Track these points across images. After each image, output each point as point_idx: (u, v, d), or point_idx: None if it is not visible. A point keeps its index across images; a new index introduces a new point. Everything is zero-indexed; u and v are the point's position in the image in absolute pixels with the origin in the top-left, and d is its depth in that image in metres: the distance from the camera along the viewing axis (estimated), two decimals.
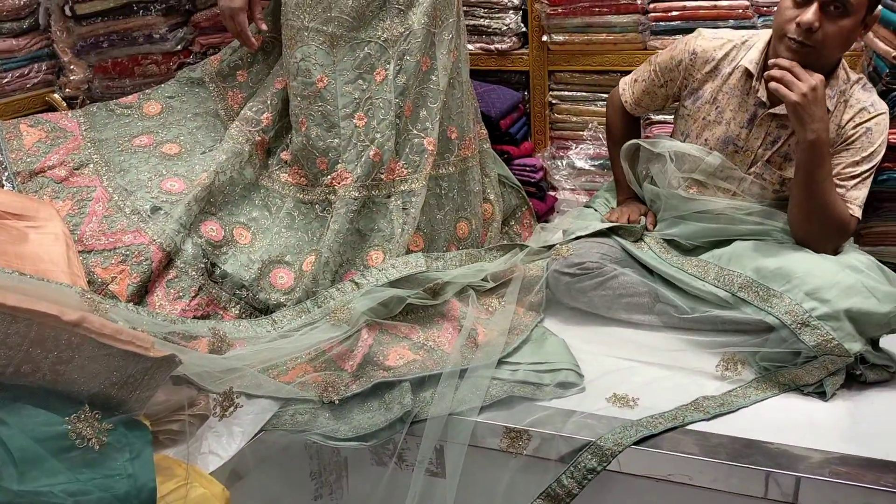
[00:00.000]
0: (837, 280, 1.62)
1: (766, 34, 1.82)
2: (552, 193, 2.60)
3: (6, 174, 1.85)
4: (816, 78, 1.62)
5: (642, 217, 2.02)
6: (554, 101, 2.61)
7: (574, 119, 2.60)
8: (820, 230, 1.73)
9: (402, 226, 1.89)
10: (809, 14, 1.61)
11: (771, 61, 1.66)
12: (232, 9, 1.91)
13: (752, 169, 1.86)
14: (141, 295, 1.71)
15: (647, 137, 2.35)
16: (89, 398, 1.20)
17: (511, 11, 2.51)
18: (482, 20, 2.53)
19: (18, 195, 1.72)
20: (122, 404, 1.25)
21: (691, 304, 1.80)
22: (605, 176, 2.56)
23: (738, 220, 1.87)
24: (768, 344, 1.67)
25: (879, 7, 1.69)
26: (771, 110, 1.79)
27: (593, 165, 2.56)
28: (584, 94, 2.57)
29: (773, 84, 1.62)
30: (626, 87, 2.07)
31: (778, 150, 1.82)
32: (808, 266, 1.68)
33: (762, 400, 1.62)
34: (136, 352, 1.23)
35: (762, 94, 1.79)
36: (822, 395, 1.61)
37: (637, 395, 1.61)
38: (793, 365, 1.64)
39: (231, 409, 1.46)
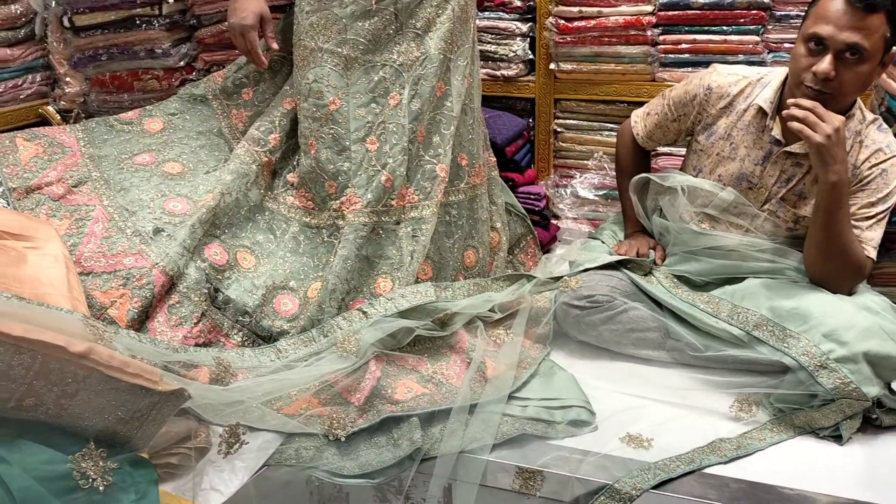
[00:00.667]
0: (855, 322, 1.61)
1: (781, 72, 1.81)
2: (554, 222, 2.57)
3: (1, 190, 1.77)
4: (839, 119, 1.61)
5: (651, 251, 2.00)
6: (559, 130, 2.59)
7: (579, 148, 2.58)
8: (838, 271, 1.72)
9: (412, 253, 1.84)
10: (825, 64, 1.60)
11: (791, 101, 1.64)
12: (243, 26, 1.87)
13: (766, 206, 1.84)
14: (141, 320, 1.64)
15: (655, 169, 2.34)
16: (94, 434, 1.14)
17: (519, 38, 2.50)
18: (489, 46, 2.51)
19: (17, 214, 1.65)
20: (128, 440, 1.19)
21: (704, 342, 1.78)
22: (608, 206, 2.54)
23: (751, 257, 1.84)
24: (783, 385, 1.65)
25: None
26: (786, 148, 1.77)
27: (597, 195, 2.54)
28: (589, 123, 2.56)
29: (796, 125, 1.61)
30: (639, 120, 2.06)
31: (792, 188, 1.81)
32: (825, 307, 1.66)
33: (778, 442, 1.60)
34: (144, 385, 1.18)
35: (777, 133, 1.78)
36: (838, 439, 1.59)
37: (651, 436, 1.58)
38: (809, 407, 1.62)
39: (237, 445, 1.40)
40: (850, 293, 1.73)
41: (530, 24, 2.51)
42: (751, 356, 1.71)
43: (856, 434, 1.60)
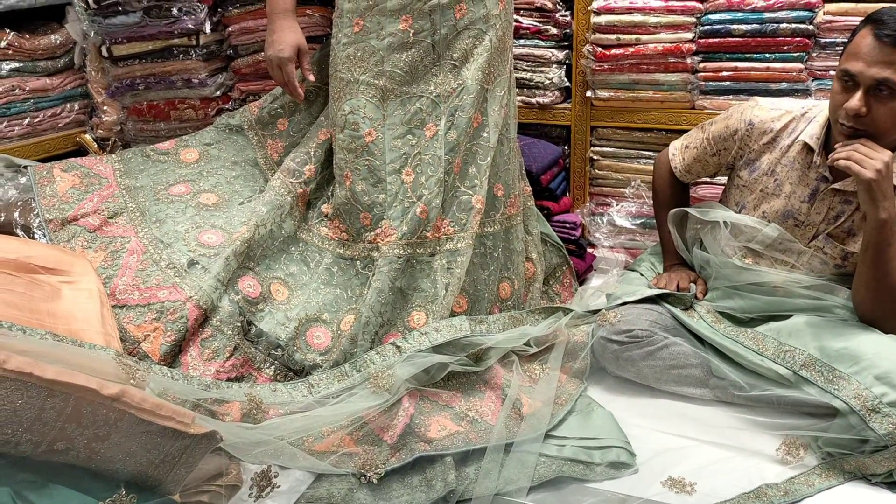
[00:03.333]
0: None
1: (826, 106, 1.75)
2: (590, 251, 2.53)
3: (38, 221, 1.78)
4: (887, 154, 1.55)
5: (692, 284, 1.94)
6: (595, 157, 2.55)
7: (615, 175, 2.54)
8: (889, 310, 1.65)
9: (447, 286, 1.81)
10: (855, 101, 1.55)
11: (838, 145, 1.60)
12: (280, 59, 1.86)
13: (813, 242, 1.78)
14: (174, 354, 1.63)
15: (694, 198, 2.29)
16: (125, 478, 1.12)
17: (555, 66, 2.47)
18: (525, 73, 2.48)
19: (53, 247, 1.65)
20: (159, 484, 1.17)
21: (749, 380, 1.72)
22: (645, 235, 2.49)
23: (797, 294, 1.79)
24: (833, 429, 1.59)
25: None
26: (834, 185, 1.72)
27: (635, 224, 2.49)
28: (626, 150, 2.51)
29: (843, 162, 1.56)
30: (677, 153, 2.01)
31: (840, 225, 1.75)
32: (877, 347, 1.60)
33: (827, 489, 1.54)
34: (176, 428, 1.16)
35: (824, 169, 1.72)
36: (891, 486, 1.52)
37: (694, 480, 1.53)
38: (860, 453, 1.55)
39: (268, 489, 1.38)
40: None
41: (567, 51, 2.48)
42: (798, 397, 1.65)
43: None
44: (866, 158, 1.54)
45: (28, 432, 1.07)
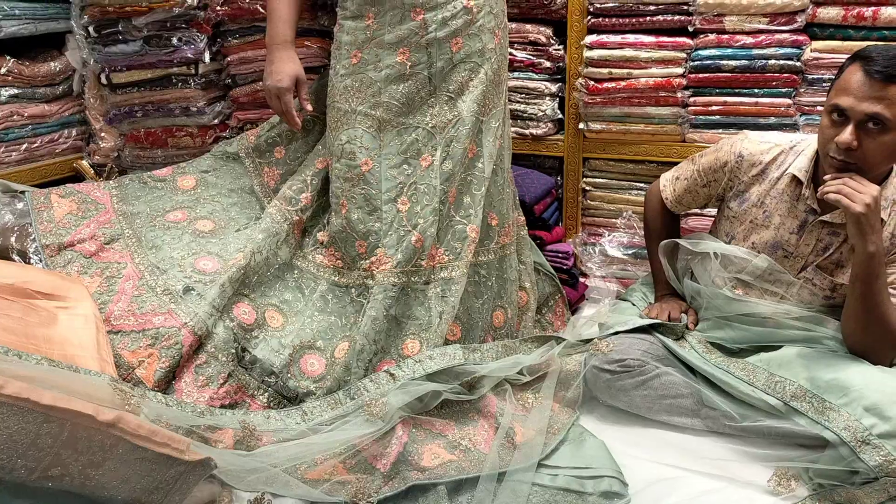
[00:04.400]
0: None
1: (815, 140, 1.79)
2: (582, 280, 2.55)
3: (34, 246, 1.79)
4: (875, 188, 1.58)
5: (683, 315, 1.96)
6: (587, 188, 2.58)
7: (608, 206, 2.57)
8: (877, 342, 1.67)
9: (441, 314, 1.82)
10: (846, 135, 1.58)
11: (827, 177, 1.63)
12: (279, 88, 1.89)
13: (802, 274, 1.81)
14: (168, 380, 1.63)
15: (685, 229, 2.32)
16: None
17: (548, 98, 2.51)
18: (519, 105, 2.52)
19: (49, 273, 1.66)
20: None
21: (740, 411, 1.73)
22: (637, 265, 2.51)
23: (787, 325, 1.80)
24: (823, 460, 1.59)
25: None
26: (822, 217, 1.75)
27: (626, 254, 2.52)
28: (619, 182, 2.54)
29: (833, 196, 1.58)
30: (668, 184, 2.04)
31: (829, 256, 1.78)
32: (866, 379, 1.61)
33: None
34: (171, 455, 1.16)
35: (812, 201, 1.75)
36: None
37: None
38: (850, 484, 1.56)
39: None
40: (890, 364, 1.68)
41: (560, 84, 2.52)
42: (789, 428, 1.65)
43: None
44: (856, 192, 1.57)
45: (23, 458, 1.07)
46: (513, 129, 2.53)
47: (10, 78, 2.31)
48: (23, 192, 2.00)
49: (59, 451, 1.07)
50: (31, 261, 1.78)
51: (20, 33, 2.32)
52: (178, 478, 1.18)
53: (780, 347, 1.80)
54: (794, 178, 1.78)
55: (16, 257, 1.78)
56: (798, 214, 1.78)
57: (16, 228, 1.84)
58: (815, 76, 2.22)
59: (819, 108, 2.23)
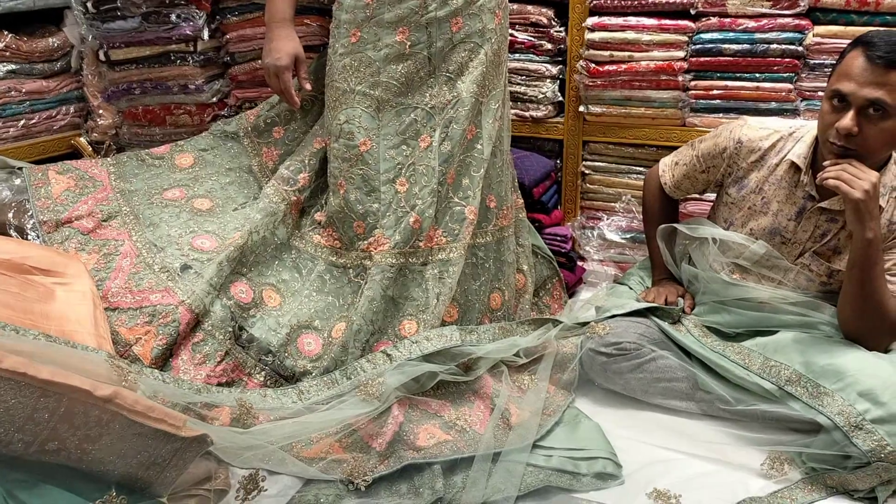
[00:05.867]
0: (893, 381, 1.56)
1: (814, 127, 1.78)
2: (580, 264, 2.55)
3: (32, 222, 1.79)
4: (874, 174, 1.58)
5: (680, 299, 1.96)
6: (587, 172, 2.57)
7: (607, 190, 2.57)
8: (873, 328, 1.67)
9: (438, 296, 1.83)
10: (846, 120, 1.57)
11: (827, 163, 1.62)
12: (278, 67, 1.88)
13: (800, 260, 1.81)
14: (165, 358, 1.64)
15: (683, 214, 2.32)
16: (115, 480, 1.12)
17: (549, 80, 2.50)
18: (519, 87, 2.51)
19: (48, 249, 1.66)
20: (148, 486, 1.18)
21: (735, 395, 1.74)
22: (635, 249, 2.51)
23: (783, 310, 1.81)
24: (817, 444, 1.61)
25: None
26: (820, 204, 1.75)
27: (624, 238, 2.52)
28: (618, 165, 2.54)
29: (832, 182, 1.58)
30: (667, 170, 2.04)
31: (826, 243, 1.78)
32: (860, 364, 1.62)
33: (810, 503, 1.54)
34: (167, 431, 1.16)
35: (811, 188, 1.75)
36: (873, 502, 1.54)
37: (679, 492, 1.54)
38: (843, 468, 1.57)
39: (255, 493, 1.38)
40: (885, 350, 1.69)
41: (560, 66, 2.51)
42: (783, 412, 1.67)
43: (893, 497, 1.54)
44: (855, 179, 1.57)
45: (20, 432, 1.07)
46: (513, 111, 2.52)
47: (7, 53, 2.31)
48: (20, 169, 1.99)
49: (55, 426, 1.08)
50: (29, 237, 1.78)
51: (18, 8, 2.31)
52: (175, 454, 1.18)
53: (775, 332, 1.80)
54: (793, 165, 1.77)
55: (13, 233, 1.78)
56: (796, 201, 1.78)
57: (13, 204, 1.84)
58: (816, 61, 2.21)
59: (820, 93, 2.23)
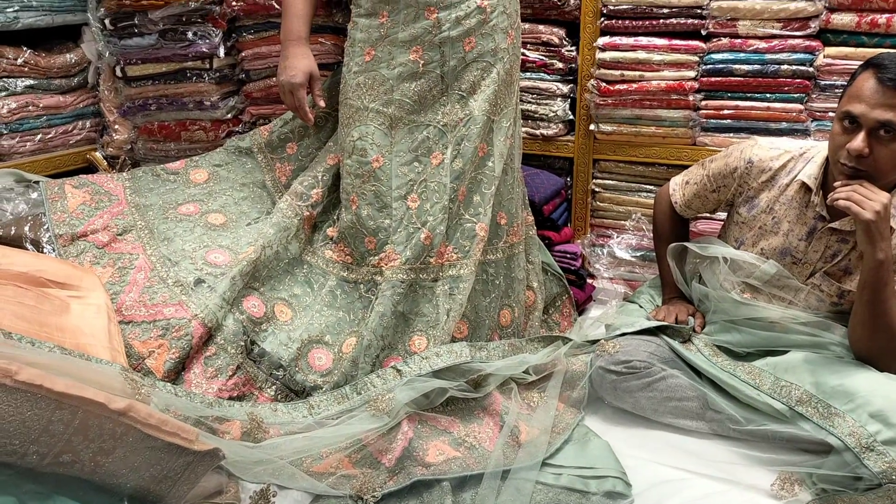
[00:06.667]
0: None
1: (825, 147, 1.79)
2: (590, 281, 2.55)
3: (48, 236, 1.81)
4: (885, 195, 1.58)
5: (690, 318, 1.96)
6: (597, 189, 2.58)
7: (617, 208, 2.57)
8: (884, 348, 1.67)
9: (448, 311, 1.83)
10: (858, 141, 1.58)
11: (837, 184, 1.63)
12: (293, 84, 1.90)
13: (810, 280, 1.81)
14: (178, 371, 1.65)
15: (694, 233, 2.32)
16: (128, 493, 1.13)
17: (559, 99, 2.51)
18: (530, 105, 2.52)
19: (63, 262, 1.68)
20: (160, 500, 1.19)
21: (745, 415, 1.73)
22: (645, 267, 2.51)
23: (794, 330, 1.81)
24: (827, 465, 1.60)
25: None
26: (831, 224, 1.75)
27: (634, 256, 2.52)
28: (628, 183, 2.55)
29: (843, 202, 1.58)
30: (677, 188, 2.04)
31: (837, 263, 1.78)
32: (872, 385, 1.61)
33: None
34: (180, 444, 1.17)
35: (821, 209, 1.75)
36: None
37: None
38: (853, 490, 1.56)
39: None
40: None
41: (571, 85, 2.52)
42: (793, 432, 1.66)
43: None
44: (866, 199, 1.57)
45: (35, 444, 1.08)
46: (523, 129, 2.54)
47: (26, 69, 2.34)
48: (37, 182, 2.02)
49: (70, 438, 1.09)
50: (45, 250, 1.80)
51: (37, 24, 2.34)
52: (187, 467, 1.19)
53: (786, 352, 1.80)
54: (804, 185, 1.78)
55: (29, 246, 1.80)
56: (807, 221, 1.78)
57: (29, 218, 1.86)
58: (827, 82, 2.22)
59: (831, 114, 2.23)
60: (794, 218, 1.80)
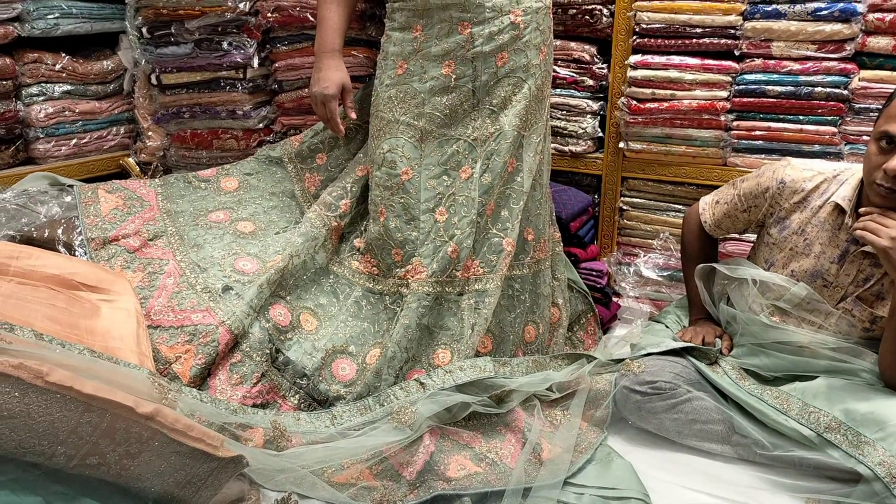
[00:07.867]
0: None
1: (859, 170, 1.77)
2: (615, 300, 2.54)
3: (80, 239, 1.83)
4: None
5: (718, 339, 1.94)
6: (625, 208, 2.57)
7: (644, 227, 2.56)
8: None
9: (473, 326, 1.83)
10: (894, 161, 1.56)
11: (862, 210, 1.62)
12: (325, 95, 1.92)
13: (841, 304, 1.78)
14: (203, 377, 1.66)
15: (722, 254, 2.30)
16: (153, 497, 1.14)
17: (589, 116, 2.51)
18: (560, 122, 2.52)
19: (94, 266, 1.70)
20: None
21: (771, 440, 1.71)
22: (672, 287, 2.49)
23: (823, 355, 1.78)
24: (856, 494, 1.57)
25: None
26: (863, 248, 1.72)
27: (661, 276, 2.50)
28: (656, 202, 2.53)
29: (859, 232, 1.58)
30: (707, 208, 2.03)
31: (870, 288, 1.75)
32: None
33: None
34: (205, 450, 1.17)
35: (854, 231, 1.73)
36: None
37: None
38: None
39: None
40: None
41: (602, 102, 2.52)
42: (821, 460, 1.63)
43: None
44: (881, 227, 1.57)
45: (63, 445, 1.09)
46: (552, 145, 2.53)
47: (63, 74, 2.39)
48: (71, 186, 2.05)
49: (97, 441, 1.10)
50: (77, 253, 1.83)
51: (76, 31, 2.39)
52: (211, 473, 1.20)
53: (815, 377, 1.77)
54: (837, 207, 1.76)
55: (62, 249, 1.83)
56: (839, 244, 1.76)
57: (63, 221, 1.89)
58: (862, 105, 2.19)
59: (865, 137, 2.21)
60: (827, 240, 1.78)
